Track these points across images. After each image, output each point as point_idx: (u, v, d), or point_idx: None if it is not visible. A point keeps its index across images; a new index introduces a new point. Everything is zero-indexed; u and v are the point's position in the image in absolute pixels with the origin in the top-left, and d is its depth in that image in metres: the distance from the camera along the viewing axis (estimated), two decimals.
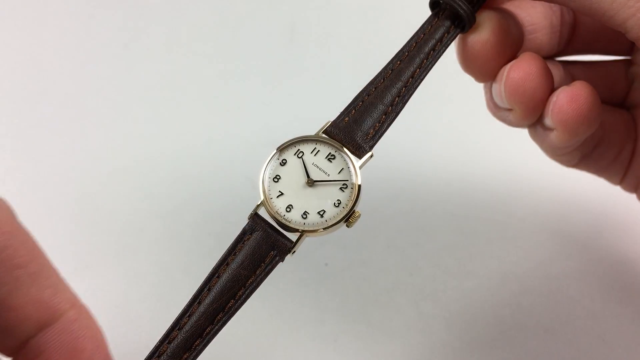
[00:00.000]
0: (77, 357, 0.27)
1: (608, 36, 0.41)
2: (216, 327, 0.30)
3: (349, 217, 0.32)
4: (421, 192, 0.57)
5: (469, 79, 0.38)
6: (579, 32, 0.41)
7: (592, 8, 0.32)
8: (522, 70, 0.35)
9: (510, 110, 0.38)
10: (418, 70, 0.35)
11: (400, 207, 0.56)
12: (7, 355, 0.27)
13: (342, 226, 0.32)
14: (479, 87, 0.41)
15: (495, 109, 0.39)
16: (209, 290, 0.31)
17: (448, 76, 0.43)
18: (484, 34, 0.36)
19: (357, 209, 0.32)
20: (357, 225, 0.33)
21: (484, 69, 0.37)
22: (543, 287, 0.50)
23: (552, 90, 0.36)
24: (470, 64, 0.37)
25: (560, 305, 0.48)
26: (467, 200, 0.56)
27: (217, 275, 0.31)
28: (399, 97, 0.35)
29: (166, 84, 0.65)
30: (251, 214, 0.33)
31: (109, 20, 0.71)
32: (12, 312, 0.26)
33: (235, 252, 0.32)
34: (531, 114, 0.37)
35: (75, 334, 0.27)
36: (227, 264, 0.31)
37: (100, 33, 0.69)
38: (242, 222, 0.33)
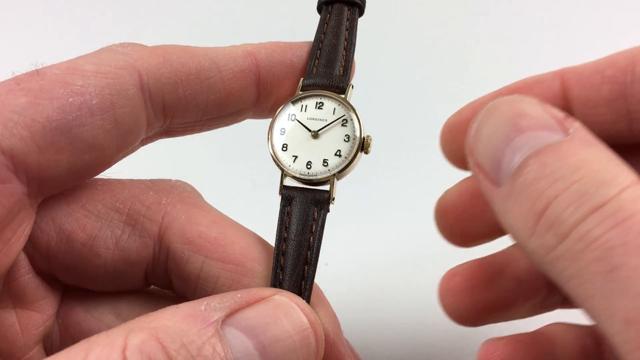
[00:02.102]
0: None
1: None
2: (305, 294, 0.32)
3: (362, 145, 0.34)
4: None
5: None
6: None
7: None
8: None
9: None
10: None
11: None
12: None
13: (361, 155, 0.34)
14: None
15: None
16: (282, 269, 0.33)
17: None
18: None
19: (366, 133, 0.34)
20: None
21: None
22: None
23: None
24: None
25: None
26: None
27: (282, 253, 0.33)
28: (348, 20, 0.37)
29: None
30: (280, 187, 0.34)
31: (109, 20, 0.71)
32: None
33: (286, 226, 0.33)
34: None
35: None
36: (285, 239, 0.33)
37: (100, 33, 0.70)
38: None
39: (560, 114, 0.27)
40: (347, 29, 0.37)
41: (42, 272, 0.33)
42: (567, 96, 0.32)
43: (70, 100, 0.29)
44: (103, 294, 0.35)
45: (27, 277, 0.32)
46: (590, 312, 0.24)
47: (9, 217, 0.29)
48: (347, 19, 0.37)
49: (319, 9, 0.38)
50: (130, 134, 0.32)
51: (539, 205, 0.25)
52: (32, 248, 0.32)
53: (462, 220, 0.37)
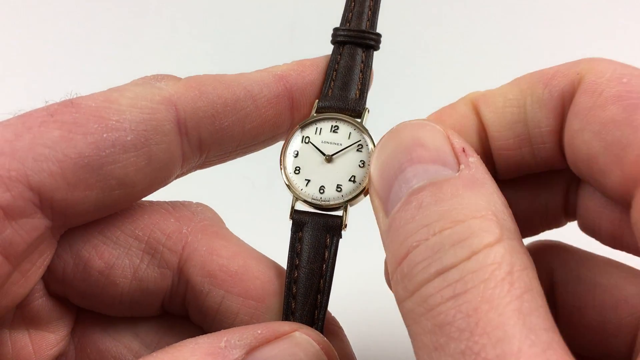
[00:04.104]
0: None
1: None
2: (318, 324, 0.32)
3: None
4: None
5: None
6: None
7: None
8: None
9: None
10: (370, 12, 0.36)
11: None
12: None
13: None
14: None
15: None
16: (294, 298, 0.32)
17: None
18: None
19: None
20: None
21: None
22: None
23: None
24: None
25: None
26: None
27: (294, 281, 0.32)
28: (364, 52, 0.36)
29: None
30: (291, 212, 0.34)
31: (109, 20, 0.70)
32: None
33: (297, 253, 0.33)
34: None
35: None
36: (297, 266, 0.33)
37: (100, 33, 0.69)
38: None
39: (460, 145, 0.27)
40: (363, 53, 0.36)
41: (56, 295, 0.33)
42: (480, 122, 0.31)
43: (104, 135, 0.28)
44: None
45: (41, 301, 0.32)
46: None
47: (29, 250, 0.29)
48: (363, 52, 0.36)
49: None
50: (163, 171, 0.31)
51: (401, 251, 0.25)
52: (48, 272, 0.31)
53: None
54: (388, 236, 0.26)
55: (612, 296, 0.30)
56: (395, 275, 0.25)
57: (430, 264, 0.23)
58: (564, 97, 0.28)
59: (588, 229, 0.32)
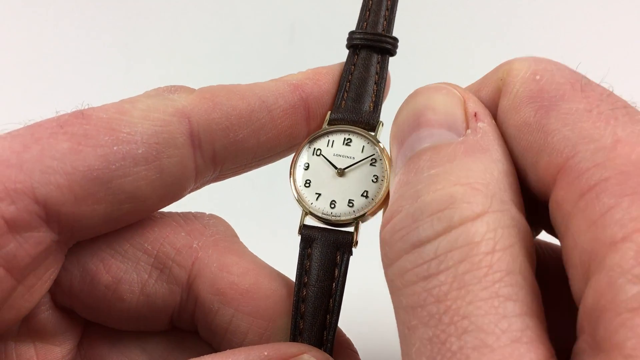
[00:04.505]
0: None
1: None
2: (327, 345, 0.31)
3: None
4: None
5: None
6: None
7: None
8: None
9: None
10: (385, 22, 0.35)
11: None
12: None
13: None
14: None
15: None
16: (302, 317, 0.31)
17: None
18: None
19: None
20: None
21: None
22: None
23: None
24: None
25: None
26: None
27: (302, 300, 0.31)
28: (378, 63, 0.35)
29: (166, 84, 0.66)
30: (300, 226, 0.33)
31: (109, 20, 0.70)
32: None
33: (306, 270, 0.32)
34: None
35: None
36: (305, 284, 0.32)
37: (100, 33, 0.69)
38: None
39: (473, 109, 0.26)
40: (378, 62, 0.35)
41: (63, 307, 0.32)
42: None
43: (114, 148, 0.28)
44: None
45: (47, 313, 0.31)
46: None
47: (34, 264, 0.28)
48: (378, 62, 0.35)
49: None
50: (176, 185, 0.30)
51: (389, 214, 0.24)
52: (54, 285, 0.31)
53: None
54: (391, 195, 0.26)
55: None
56: (381, 237, 0.24)
57: (408, 233, 0.22)
58: (493, 106, 0.27)
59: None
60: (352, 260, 0.32)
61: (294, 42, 0.66)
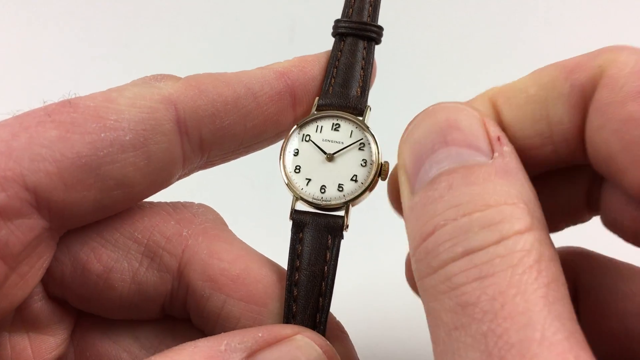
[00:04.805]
0: None
1: None
2: (320, 327, 0.31)
3: (380, 171, 0.33)
4: None
5: None
6: None
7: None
8: None
9: None
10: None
11: None
12: None
13: (379, 181, 0.33)
14: None
15: None
16: (295, 300, 0.32)
17: None
18: None
19: (383, 159, 0.33)
20: None
21: None
22: None
23: None
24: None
25: None
26: None
27: (295, 284, 0.32)
28: (365, 49, 0.35)
29: None
30: (291, 212, 0.33)
31: (109, 20, 0.70)
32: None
33: (298, 254, 0.32)
34: None
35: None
36: (298, 269, 0.32)
37: (100, 33, 0.69)
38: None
39: (495, 133, 0.26)
40: (364, 48, 0.35)
41: (55, 298, 0.32)
42: (500, 119, 0.30)
43: (102, 135, 0.28)
44: None
45: (40, 303, 0.31)
46: (434, 354, 0.23)
47: (26, 252, 0.28)
48: (364, 48, 0.35)
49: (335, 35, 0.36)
50: (164, 171, 0.31)
51: (427, 229, 0.24)
52: (46, 275, 0.31)
53: None
54: (412, 213, 0.26)
55: (635, 304, 0.30)
56: (418, 252, 0.24)
57: (457, 243, 0.23)
58: (585, 91, 0.27)
59: (611, 225, 0.31)
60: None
61: (293, 41, 0.66)
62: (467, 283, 0.22)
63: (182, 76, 0.32)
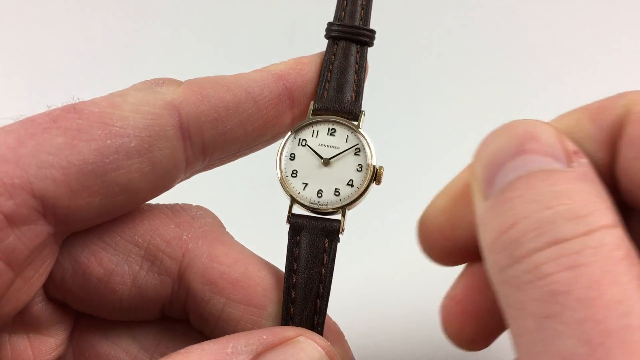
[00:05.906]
0: None
1: None
2: (318, 329, 0.32)
3: (375, 176, 0.33)
4: None
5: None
6: None
7: None
8: None
9: None
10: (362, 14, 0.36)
11: None
12: None
13: (374, 186, 0.34)
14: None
15: None
16: (292, 303, 0.32)
17: None
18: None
19: (378, 163, 0.34)
20: None
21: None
22: None
23: None
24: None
25: None
26: None
27: (292, 286, 0.32)
28: (357, 52, 0.36)
29: None
30: (288, 215, 0.34)
31: (109, 20, 0.70)
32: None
33: (295, 257, 0.33)
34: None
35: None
36: (295, 271, 0.33)
37: (100, 33, 0.69)
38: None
39: (571, 147, 0.26)
40: (357, 52, 0.35)
41: (55, 300, 0.33)
42: None
43: (108, 142, 0.28)
44: None
45: (40, 305, 0.32)
46: (515, 348, 0.23)
47: (32, 257, 0.29)
48: (357, 51, 0.36)
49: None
50: (166, 176, 0.31)
51: (507, 222, 0.24)
52: (47, 278, 0.31)
53: (445, 236, 0.34)
54: (487, 213, 0.25)
55: None
56: (497, 243, 0.24)
57: (543, 233, 0.23)
58: (613, 129, 0.28)
59: None
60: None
61: (293, 42, 0.66)
62: (557, 272, 0.22)
63: (182, 77, 0.33)
